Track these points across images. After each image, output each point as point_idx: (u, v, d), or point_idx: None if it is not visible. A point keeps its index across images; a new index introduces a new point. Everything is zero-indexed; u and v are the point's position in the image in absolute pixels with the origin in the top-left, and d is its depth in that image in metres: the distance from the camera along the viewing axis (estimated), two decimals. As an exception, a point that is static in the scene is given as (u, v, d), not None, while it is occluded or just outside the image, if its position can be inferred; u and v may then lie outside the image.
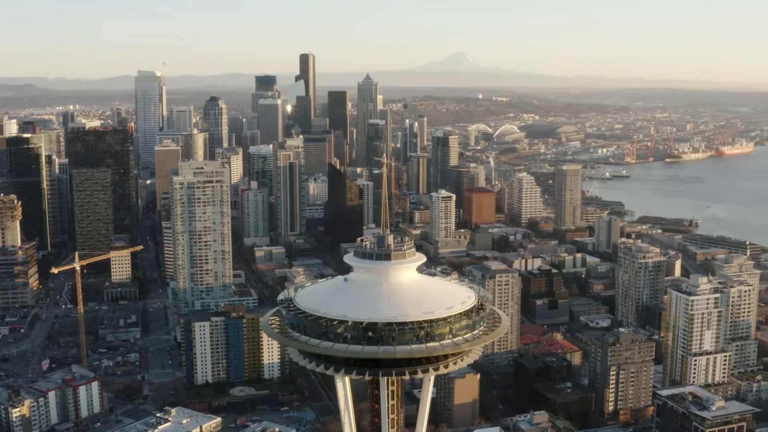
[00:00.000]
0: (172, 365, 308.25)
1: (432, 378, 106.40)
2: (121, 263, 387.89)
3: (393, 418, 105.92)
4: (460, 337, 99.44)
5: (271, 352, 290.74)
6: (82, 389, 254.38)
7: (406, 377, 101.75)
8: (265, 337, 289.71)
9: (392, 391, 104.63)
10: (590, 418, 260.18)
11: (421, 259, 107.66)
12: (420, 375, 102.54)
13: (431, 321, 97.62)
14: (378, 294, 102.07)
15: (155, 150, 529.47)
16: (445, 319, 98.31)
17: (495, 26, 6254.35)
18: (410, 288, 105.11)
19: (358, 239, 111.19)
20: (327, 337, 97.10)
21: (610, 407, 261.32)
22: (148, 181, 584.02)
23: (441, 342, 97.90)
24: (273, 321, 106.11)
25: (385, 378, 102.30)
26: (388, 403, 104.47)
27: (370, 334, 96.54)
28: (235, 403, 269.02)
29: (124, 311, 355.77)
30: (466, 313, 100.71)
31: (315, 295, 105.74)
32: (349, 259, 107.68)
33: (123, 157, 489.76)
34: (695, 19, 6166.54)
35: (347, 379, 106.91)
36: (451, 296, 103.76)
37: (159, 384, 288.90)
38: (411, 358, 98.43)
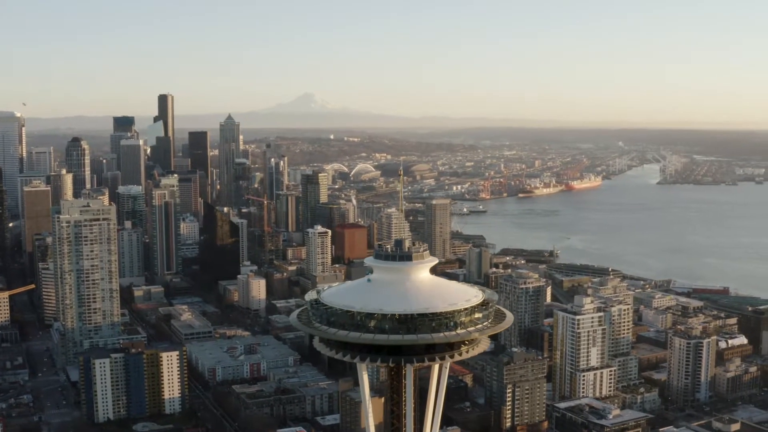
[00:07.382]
0: (68, 405, 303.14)
1: (448, 366, 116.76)
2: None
3: (412, 405, 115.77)
4: (480, 325, 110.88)
5: (171, 387, 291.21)
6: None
7: (436, 361, 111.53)
8: (165, 372, 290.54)
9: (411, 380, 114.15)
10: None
11: (434, 260, 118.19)
12: (447, 360, 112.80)
13: (456, 311, 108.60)
14: (405, 290, 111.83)
15: (24, 191, 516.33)
16: (466, 309, 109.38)
17: (339, 67, 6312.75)
18: (430, 284, 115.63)
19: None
20: (366, 329, 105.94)
21: (508, 423, 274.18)
22: (11, 224, 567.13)
23: (467, 329, 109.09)
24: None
25: (411, 365, 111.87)
26: (410, 390, 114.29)
27: (408, 325, 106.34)
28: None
29: (8, 353, 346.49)
30: (481, 306, 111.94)
31: (344, 294, 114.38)
32: (370, 261, 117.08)
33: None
34: (533, 59, 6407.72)
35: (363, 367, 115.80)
36: (465, 292, 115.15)
37: (59, 424, 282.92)
38: (439, 345, 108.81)
